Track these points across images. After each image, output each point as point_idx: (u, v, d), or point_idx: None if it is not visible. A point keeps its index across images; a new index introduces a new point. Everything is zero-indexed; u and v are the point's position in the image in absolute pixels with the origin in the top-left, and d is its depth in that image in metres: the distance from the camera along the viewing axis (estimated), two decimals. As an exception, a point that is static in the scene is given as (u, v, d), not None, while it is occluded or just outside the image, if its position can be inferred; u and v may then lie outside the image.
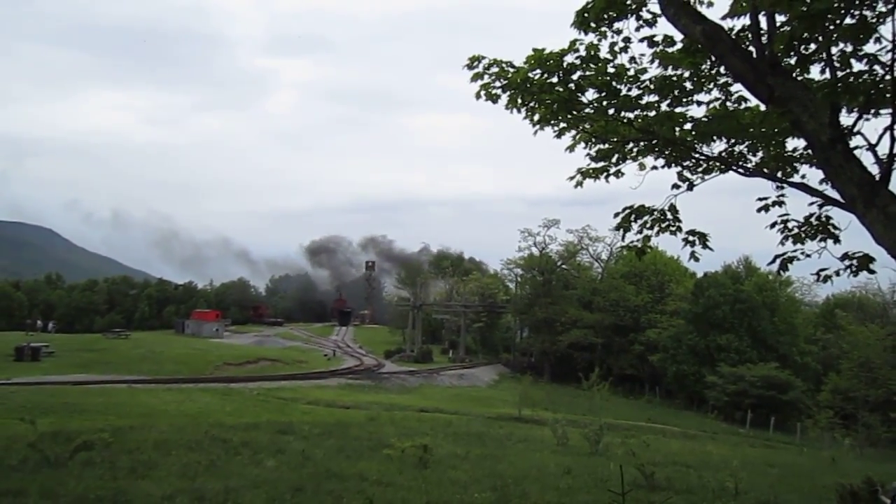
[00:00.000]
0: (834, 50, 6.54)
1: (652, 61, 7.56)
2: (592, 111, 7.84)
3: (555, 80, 7.54)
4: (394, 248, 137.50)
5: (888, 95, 6.24)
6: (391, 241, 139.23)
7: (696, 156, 8.01)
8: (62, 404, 18.72)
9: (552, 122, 7.89)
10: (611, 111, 7.82)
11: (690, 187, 8.13)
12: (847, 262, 6.68)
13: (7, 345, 42.74)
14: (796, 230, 7.44)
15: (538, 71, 7.47)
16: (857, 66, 6.59)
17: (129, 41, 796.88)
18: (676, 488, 12.60)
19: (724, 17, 6.79)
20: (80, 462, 10.96)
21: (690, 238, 7.84)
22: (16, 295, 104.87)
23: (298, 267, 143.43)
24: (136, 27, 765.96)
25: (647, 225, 8.00)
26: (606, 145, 8.19)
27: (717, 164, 7.98)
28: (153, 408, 19.98)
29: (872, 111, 6.52)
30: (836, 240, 7.17)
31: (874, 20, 6.16)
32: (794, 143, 7.61)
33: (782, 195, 7.65)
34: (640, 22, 7.33)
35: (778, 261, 7.36)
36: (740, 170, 7.80)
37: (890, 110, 6.03)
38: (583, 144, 8.20)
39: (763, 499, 12.29)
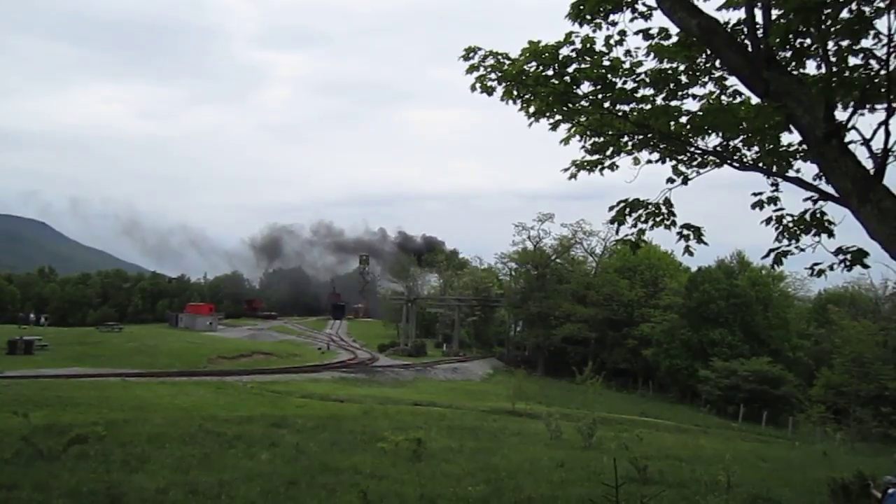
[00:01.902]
0: (830, 45, 6.53)
1: (647, 54, 7.54)
2: (588, 104, 7.82)
3: (550, 72, 7.52)
4: (346, 237, 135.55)
5: (883, 90, 6.24)
6: (342, 231, 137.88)
7: (691, 150, 8.00)
8: (55, 398, 18.66)
9: (547, 114, 7.86)
10: (606, 104, 7.80)
11: (685, 181, 8.13)
12: (841, 257, 6.69)
13: (0, 338, 42.55)
14: (791, 225, 7.45)
15: (534, 63, 7.45)
16: (853, 61, 6.60)
17: (122, 34, 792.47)
18: (669, 482, 12.66)
19: (719, 9, 6.79)
20: (73, 455, 10.94)
21: (685, 232, 7.83)
22: (8, 288, 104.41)
23: (250, 259, 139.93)
24: (131, 20, 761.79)
25: (642, 219, 7.99)
26: (601, 139, 8.18)
27: (712, 158, 7.97)
28: (147, 401, 19.95)
29: (867, 106, 6.52)
30: (831, 234, 7.19)
31: (871, 15, 6.16)
32: (789, 138, 7.62)
33: (777, 190, 7.66)
34: (636, 15, 7.32)
35: (772, 255, 7.37)
36: (735, 164, 7.79)
37: (885, 105, 6.03)
38: (578, 138, 8.18)
39: (755, 492, 12.36)
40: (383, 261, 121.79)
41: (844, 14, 6.25)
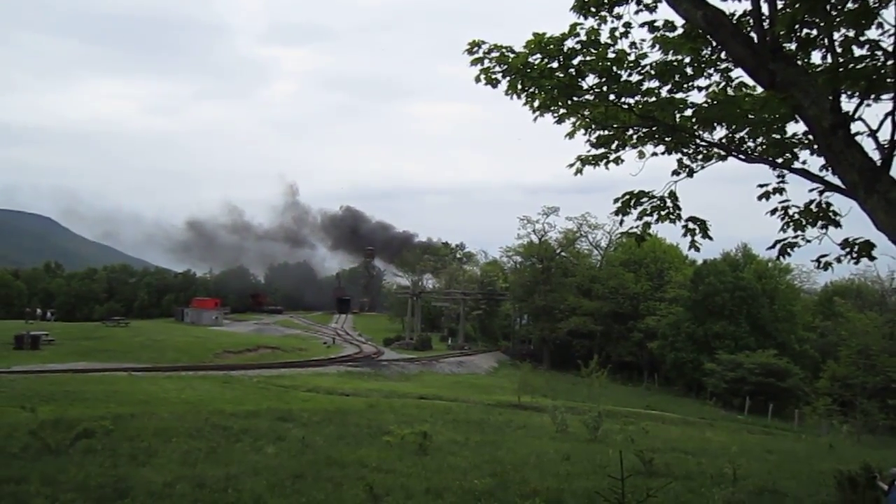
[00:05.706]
0: (835, 35, 6.49)
1: (652, 46, 7.50)
2: (593, 97, 7.79)
3: (555, 65, 7.49)
4: (271, 230, 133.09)
5: (889, 81, 6.20)
6: (261, 224, 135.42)
7: (697, 142, 7.97)
8: (62, 392, 18.75)
9: (552, 108, 7.84)
10: (611, 97, 7.77)
11: (690, 174, 8.11)
12: (847, 249, 6.66)
13: (6, 333, 42.72)
14: (797, 216, 7.42)
15: (538, 55, 7.42)
16: (859, 52, 6.56)
17: (128, 30, 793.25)
18: (675, 474, 12.67)
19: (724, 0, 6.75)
20: (80, 449, 11.00)
21: (691, 226, 7.80)
22: (15, 284, 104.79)
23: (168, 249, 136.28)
24: (136, 16, 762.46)
25: (647, 211, 7.97)
26: (606, 132, 8.15)
27: (718, 150, 7.95)
28: (153, 395, 20.02)
29: (873, 97, 6.48)
30: (837, 225, 7.15)
31: (876, 5, 6.11)
32: (795, 129, 7.59)
33: (783, 182, 7.63)
34: (641, 6, 7.30)
35: (778, 246, 7.35)
36: (741, 156, 7.75)
37: (891, 96, 6.00)
38: (583, 131, 8.15)
39: (761, 485, 12.36)
40: (309, 246, 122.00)
41: (850, 4, 6.20)
